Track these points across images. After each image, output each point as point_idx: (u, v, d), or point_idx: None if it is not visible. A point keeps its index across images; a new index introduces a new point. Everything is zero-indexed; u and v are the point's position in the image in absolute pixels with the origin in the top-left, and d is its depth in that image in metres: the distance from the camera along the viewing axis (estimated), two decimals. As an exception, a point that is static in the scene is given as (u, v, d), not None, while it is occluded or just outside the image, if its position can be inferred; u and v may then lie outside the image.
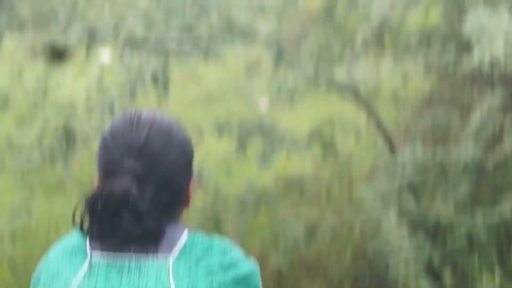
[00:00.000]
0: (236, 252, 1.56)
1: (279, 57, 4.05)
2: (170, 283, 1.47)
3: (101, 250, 1.51)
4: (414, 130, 5.51)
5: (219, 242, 1.56)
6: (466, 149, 4.46)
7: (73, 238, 1.58)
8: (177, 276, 1.48)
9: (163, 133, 1.54)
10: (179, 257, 1.50)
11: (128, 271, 1.49)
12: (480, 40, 3.60)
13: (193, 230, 1.58)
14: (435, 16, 4.80)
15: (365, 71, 4.98)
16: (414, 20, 4.81)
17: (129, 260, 1.49)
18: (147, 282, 1.47)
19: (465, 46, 4.24)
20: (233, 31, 3.94)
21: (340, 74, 4.65)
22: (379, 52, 5.41)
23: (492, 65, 3.80)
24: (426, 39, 4.95)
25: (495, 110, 4.59)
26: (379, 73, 5.07)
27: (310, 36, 5.96)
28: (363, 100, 4.84)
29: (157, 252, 1.49)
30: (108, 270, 1.49)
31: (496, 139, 4.62)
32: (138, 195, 1.47)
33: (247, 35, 3.98)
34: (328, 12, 5.37)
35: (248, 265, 1.55)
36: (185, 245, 1.52)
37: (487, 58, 3.49)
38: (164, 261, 1.49)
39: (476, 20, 3.71)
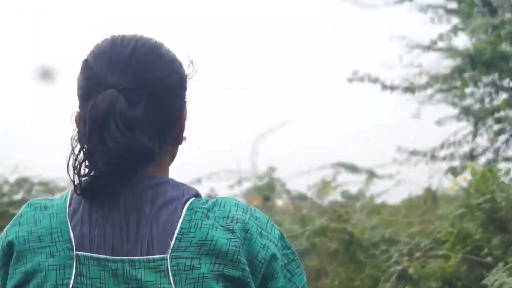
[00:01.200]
0: (241, 209, 1.33)
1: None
2: (171, 287, 1.25)
3: (90, 249, 1.29)
4: None
5: (223, 208, 1.32)
6: None
7: (44, 219, 1.35)
8: (179, 278, 1.26)
9: (151, 48, 1.38)
10: (177, 249, 1.27)
11: (124, 279, 1.27)
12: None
13: (194, 190, 1.36)
14: (455, 262, 4.76)
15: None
16: (434, 267, 4.77)
17: (122, 265, 1.27)
18: None
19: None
20: None
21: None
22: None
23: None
24: (447, 283, 4.90)
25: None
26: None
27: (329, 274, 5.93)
28: None
29: (153, 246, 1.27)
30: (102, 276, 1.28)
31: None
32: (126, 105, 1.29)
33: None
34: (347, 250, 5.38)
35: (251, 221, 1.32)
36: (182, 230, 1.29)
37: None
38: (160, 261, 1.27)
39: (495, 279, 3.68)
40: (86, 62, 1.37)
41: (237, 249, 1.29)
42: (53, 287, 1.29)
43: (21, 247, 1.33)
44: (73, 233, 1.31)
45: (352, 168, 7.26)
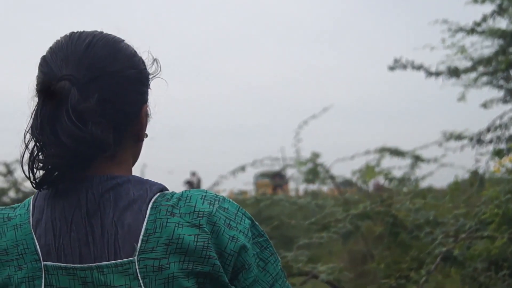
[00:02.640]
0: (208, 198, 1.32)
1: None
2: None
3: (57, 258, 1.27)
4: None
5: (188, 203, 1.31)
6: None
7: (8, 231, 1.32)
8: (148, 279, 1.25)
9: (108, 42, 1.35)
10: (144, 251, 1.27)
11: (94, 286, 1.25)
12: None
13: (156, 187, 1.33)
14: (501, 242, 4.73)
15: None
16: (480, 248, 4.74)
17: (91, 272, 1.26)
18: None
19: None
20: (292, 271, 3.96)
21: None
22: (445, 276, 5.32)
23: None
24: (493, 264, 4.87)
25: None
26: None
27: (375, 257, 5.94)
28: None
29: (120, 250, 1.27)
30: (71, 285, 1.26)
31: None
32: (78, 97, 1.26)
33: (306, 274, 3.99)
34: (392, 234, 5.38)
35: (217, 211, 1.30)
36: (147, 230, 1.28)
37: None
38: (128, 264, 1.26)
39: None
40: (43, 58, 1.37)
41: (206, 244, 1.27)
42: None
43: None
44: (38, 244, 1.29)
45: (397, 153, 7.23)
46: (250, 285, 1.32)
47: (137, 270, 1.26)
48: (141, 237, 1.27)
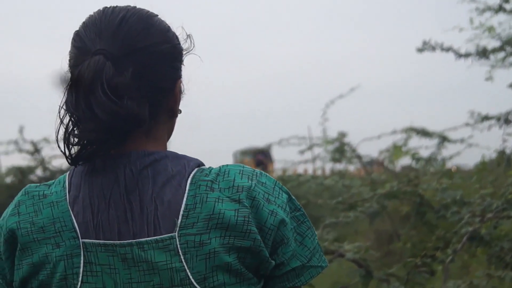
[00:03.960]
0: (246, 174, 1.31)
1: (368, 275, 4.04)
2: (183, 265, 1.24)
3: (96, 235, 1.26)
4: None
5: (227, 178, 1.30)
6: None
7: (44, 209, 1.31)
8: (189, 255, 1.25)
9: (141, 17, 1.34)
10: (184, 226, 1.25)
11: (134, 262, 1.25)
12: None
13: (193, 163, 1.32)
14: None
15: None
16: (506, 228, 4.74)
17: (131, 248, 1.25)
18: (158, 272, 1.24)
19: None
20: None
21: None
22: (471, 255, 5.33)
23: None
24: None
25: None
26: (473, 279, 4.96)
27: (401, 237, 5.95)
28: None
29: (159, 226, 1.25)
30: (111, 261, 1.25)
31: None
32: (113, 71, 1.25)
33: (332, 253, 4.02)
34: (418, 214, 5.39)
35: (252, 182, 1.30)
36: (187, 206, 1.27)
37: None
38: (169, 240, 1.25)
39: None
40: (76, 33, 1.35)
41: (246, 219, 1.27)
42: (63, 277, 1.26)
43: (25, 239, 1.30)
44: (76, 221, 1.28)
45: (424, 133, 7.19)
46: (288, 259, 1.31)
47: (178, 245, 1.25)
48: (181, 212, 1.26)
